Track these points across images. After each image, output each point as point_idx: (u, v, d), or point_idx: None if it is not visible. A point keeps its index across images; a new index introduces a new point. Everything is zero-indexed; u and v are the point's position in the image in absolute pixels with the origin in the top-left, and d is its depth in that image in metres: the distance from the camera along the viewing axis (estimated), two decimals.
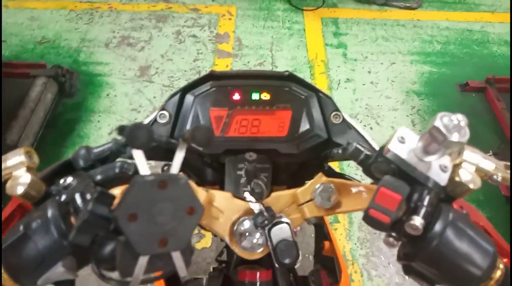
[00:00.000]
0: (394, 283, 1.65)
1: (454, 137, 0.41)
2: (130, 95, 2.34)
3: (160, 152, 0.62)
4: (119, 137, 0.49)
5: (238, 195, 0.55)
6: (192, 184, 0.53)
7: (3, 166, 0.43)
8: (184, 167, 0.67)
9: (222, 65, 2.53)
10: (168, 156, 0.64)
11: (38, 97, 2.08)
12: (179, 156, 0.41)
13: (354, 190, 0.54)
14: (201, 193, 0.53)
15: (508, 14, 2.97)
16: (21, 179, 0.42)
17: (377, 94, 2.39)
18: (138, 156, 0.38)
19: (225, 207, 0.54)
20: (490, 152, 2.00)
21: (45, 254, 0.39)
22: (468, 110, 2.34)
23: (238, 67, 2.52)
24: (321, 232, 1.00)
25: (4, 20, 2.73)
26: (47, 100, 2.12)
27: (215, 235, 1.00)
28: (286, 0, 3.00)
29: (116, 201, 0.39)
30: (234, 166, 0.61)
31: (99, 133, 2.14)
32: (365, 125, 2.22)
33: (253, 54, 2.61)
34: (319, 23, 2.84)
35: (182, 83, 2.40)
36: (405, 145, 0.48)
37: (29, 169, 0.43)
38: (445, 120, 0.42)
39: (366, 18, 2.89)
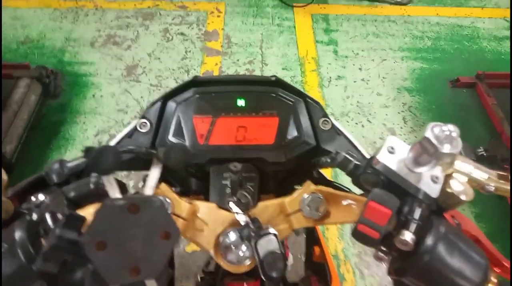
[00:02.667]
0: (387, 282, 1.63)
1: (446, 148, 0.39)
2: (117, 96, 2.29)
3: (139, 161, 0.59)
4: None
5: (223, 206, 0.53)
6: (176, 199, 0.50)
7: None
8: (167, 175, 0.64)
9: (211, 64, 2.49)
10: (148, 165, 0.61)
11: (21, 99, 2.03)
12: (154, 175, 0.39)
13: (343, 201, 0.52)
14: (184, 204, 0.50)
15: (497, 10, 2.97)
16: None
17: (369, 91, 2.37)
18: (107, 178, 0.35)
19: (209, 218, 0.52)
20: (481, 147, 1.98)
21: (13, 279, 0.36)
22: (459, 106, 2.33)
23: (227, 65, 2.48)
24: (312, 237, 0.98)
25: None
26: (31, 102, 2.07)
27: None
28: None
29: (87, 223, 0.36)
30: (219, 175, 0.58)
31: (85, 135, 2.09)
32: (356, 123, 2.20)
33: (242, 52, 2.57)
34: (310, 20, 2.81)
35: (170, 82, 2.36)
36: (394, 155, 0.45)
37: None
38: (436, 131, 0.40)
39: (357, 14, 2.86)
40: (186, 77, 2.39)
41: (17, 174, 1.91)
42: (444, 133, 0.40)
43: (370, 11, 2.90)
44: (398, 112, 2.28)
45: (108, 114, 2.19)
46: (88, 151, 0.36)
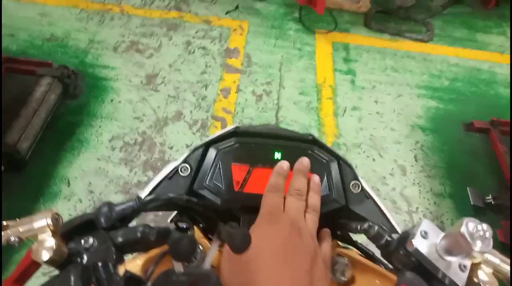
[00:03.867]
0: None
1: (478, 246, 0.41)
2: (134, 103, 2.32)
3: (175, 205, 0.61)
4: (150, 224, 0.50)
5: None
6: (207, 245, 0.52)
7: (29, 226, 0.43)
8: (200, 218, 0.66)
9: (229, 81, 2.52)
10: (181, 208, 0.63)
11: (42, 98, 2.06)
12: (212, 253, 0.41)
13: (369, 271, 0.53)
14: (215, 252, 0.52)
15: None
16: (46, 244, 0.42)
17: (382, 125, 2.39)
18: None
19: None
20: (490, 195, 1.98)
21: None
22: (471, 151, 2.34)
23: (245, 84, 2.51)
24: None
25: (14, 13, 2.72)
26: (50, 101, 2.10)
27: None
28: (299, 21, 3.01)
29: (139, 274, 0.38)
30: (250, 224, 0.60)
31: (99, 140, 2.11)
32: (367, 156, 2.22)
33: (261, 72, 2.60)
34: (330, 47, 2.84)
35: (188, 95, 2.39)
36: (427, 240, 0.47)
37: (54, 233, 0.43)
38: (470, 228, 0.41)
39: (377, 47, 2.90)
40: (204, 92, 2.42)
41: (29, 171, 1.93)
42: (478, 232, 0.41)
43: (391, 45, 2.93)
44: (410, 150, 2.29)
45: (124, 121, 2.22)
46: (166, 235, 0.39)
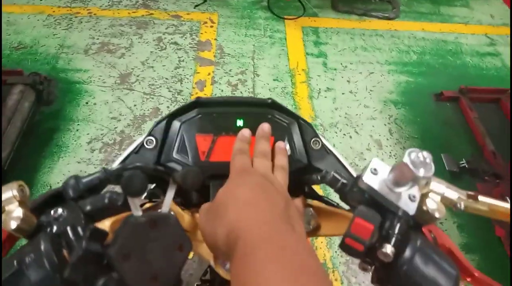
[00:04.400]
0: None
1: (421, 172, 0.45)
2: (110, 103, 2.32)
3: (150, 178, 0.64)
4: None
5: None
6: (180, 212, 0.55)
7: None
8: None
9: (204, 73, 2.54)
10: (152, 179, 0.65)
11: (15, 106, 2.04)
12: (170, 196, 0.44)
13: (332, 216, 0.57)
14: (186, 217, 0.55)
15: (480, 27, 3.10)
16: (13, 214, 0.43)
17: (356, 103, 2.45)
18: (132, 198, 0.40)
19: None
20: (463, 160, 2.08)
21: None
22: (443, 119, 2.42)
23: (220, 75, 2.53)
24: None
25: None
26: (24, 109, 2.08)
27: None
28: (268, 9, 3.04)
29: (109, 236, 0.41)
30: (219, 190, 0.63)
31: (78, 143, 2.11)
32: (344, 134, 2.27)
33: (235, 62, 2.63)
34: (300, 32, 2.89)
35: (164, 91, 2.40)
36: (377, 176, 0.51)
37: (21, 203, 0.44)
38: (412, 156, 0.45)
39: (346, 28, 2.95)
40: (179, 87, 2.43)
41: (9, 181, 1.91)
42: (419, 159, 0.45)
43: (359, 25, 2.99)
44: (385, 124, 2.36)
45: (101, 122, 2.22)
46: (119, 176, 0.41)
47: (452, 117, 2.44)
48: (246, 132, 0.57)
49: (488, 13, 3.23)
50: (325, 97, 2.47)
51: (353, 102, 2.45)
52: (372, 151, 2.20)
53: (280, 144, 0.58)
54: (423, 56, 2.80)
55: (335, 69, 2.65)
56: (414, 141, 2.29)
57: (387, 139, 2.28)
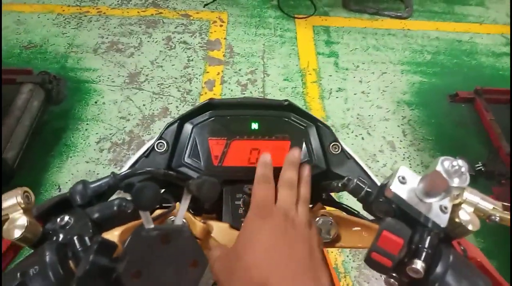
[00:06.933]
0: None
1: (455, 182, 0.41)
2: (119, 103, 2.30)
3: (156, 181, 0.61)
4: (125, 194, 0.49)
5: (236, 226, 0.55)
6: (192, 220, 0.51)
7: None
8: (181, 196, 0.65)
9: (213, 73, 2.51)
10: (162, 184, 0.62)
11: (24, 105, 2.03)
12: (184, 207, 0.41)
13: (354, 227, 0.54)
14: (198, 224, 0.52)
15: (495, 26, 3.03)
16: (17, 222, 0.41)
17: (368, 104, 2.40)
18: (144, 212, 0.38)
19: (222, 238, 0.53)
20: (479, 162, 2.01)
21: None
22: (457, 121, 2.36)
23: (229, 75, 2.50)
24: None
25: None
26: (33, 108, 2.07)
27: None
28: (278, 8, 3.00)
29: (118, 247, 0.38)
30: (232, 196, 0.60)
31: (87, 142, 2.10)
32: (356, 135, 2.23)
33: (244, 62, 2.59)
34: (311, 31, 2.84)
35: (173, 90, 2.37)
36: (405, 185, 0.47)
37: (25, 211, 0.42)
38: (446, 165, 0.42)
39: (357, 27, 2.90)
40: (189, 86, 2.41)
41: (18, 180, 1.91)
42: (453, 168, 0.41)
43: (371, 24, 2.93)
44: (398, 126, 2.30)
45: (110, 122, 2.20)
46: (129, 187, 0.38)
47: (467, 118, 2.38)
48: (267, 157, 0.53)
49: (504, 12, 3.15)
50: (337, 97, 2.42)
51: (365, 102, 2.40)
52: (385, 153, 2.15)
53: (305, 169, 0.54)
54: (437, 56, 2.74)
55: (346, 69, 2.60)
56: (428, 143, 2.23)
57: (401, 141, 2.22)
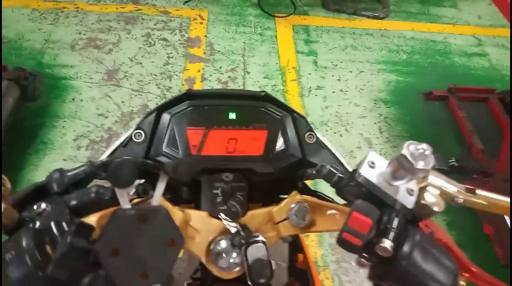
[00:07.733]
0: None
1: (420, 164, 0.44)
2: (97, 100, 2.27)
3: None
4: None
5: (215, 215, 0.56)
6: (171, 208, 0.52)
7: None
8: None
9: (194, 70, 2.50)
10: (141, 175, 0.63)
11: None
12: (160, 188, 0.41)
13: (328, 211, 0.56)
14: (177, 213, 0.53)
15: (467, 27, 3.14)
16: None
17: (346, 101, 2.45)
18: (120, 190, 0.38)
19: (201, 226, 0.54)
20: (453, 158, 2.08)
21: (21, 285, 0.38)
22: (432, 118, 2.44)
23: (210, 72, 2.50)
24: (295, 244, 1.01)
25: None
26: (8, 105, 2.02)
27: None
28: (258, 6, 3.02)
29: (96, 232, 0.38)
30: (210, 184, 0.61)
31: (64, 140, 2.06)
32: (335, 132, 2.27)
33: (225, 59, 2.60)
34: (291, 30, 2.88)
35: (152, 88, 2.36)
36: (375, 169, 0.49)
37: (2, 197, 0.42)
38: (411, 149, 0.44)
39: (336, 27, 2.95)
40: (168, 83, 2.40)
41: None
42: (418, 151, 0.44)
43: (349, 24, 2.99)
44: (375, 123, 2.36)
45: (88, 119, 2.17)
46: (105, 166, 0.39)
47: (441, 116, 2.46)
48: None
49: (475, 14, 3.27)
50: (316, 95, 2.46)
51: (343, 100, 2.45)
52: (363, 149, 2.20)
53: None
54: (412, 55, 2.82)
55: (325, 67, 2.64)
56: (404, 139, 2.28)
57: (377, 137, 2.28)
